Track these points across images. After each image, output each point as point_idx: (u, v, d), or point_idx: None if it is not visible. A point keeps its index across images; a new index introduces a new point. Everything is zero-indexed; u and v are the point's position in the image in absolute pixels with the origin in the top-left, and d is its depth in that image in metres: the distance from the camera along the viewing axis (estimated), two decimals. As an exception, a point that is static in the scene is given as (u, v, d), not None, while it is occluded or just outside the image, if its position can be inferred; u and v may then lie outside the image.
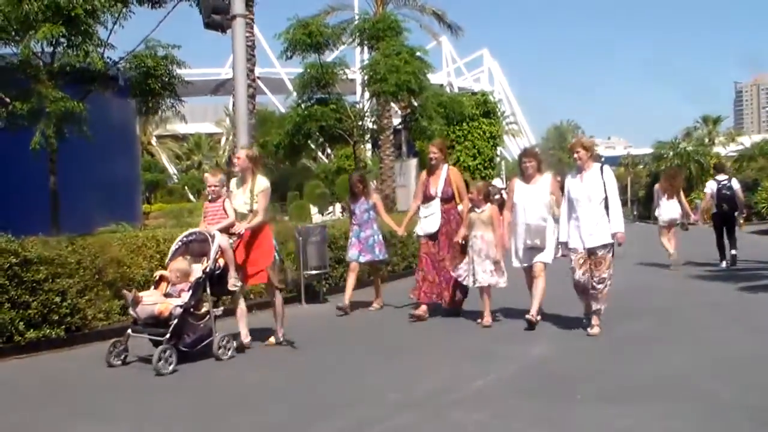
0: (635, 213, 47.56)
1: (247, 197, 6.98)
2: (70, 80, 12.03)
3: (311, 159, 46.47)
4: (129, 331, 6.39)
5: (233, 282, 6.73)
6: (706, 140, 43.43)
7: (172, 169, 59.33)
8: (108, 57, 12.40)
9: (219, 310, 6.81)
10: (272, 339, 7.19)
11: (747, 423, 4.42)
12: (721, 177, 13.53)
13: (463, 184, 8.72)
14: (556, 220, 7.49)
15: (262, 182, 7.05)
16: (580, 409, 4.77)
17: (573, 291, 7.39)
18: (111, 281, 7.98)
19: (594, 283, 7.09)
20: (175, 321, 6.18)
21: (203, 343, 6.47)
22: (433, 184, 8.57)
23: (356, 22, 20.66)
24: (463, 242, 8.14)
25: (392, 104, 22.53)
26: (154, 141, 58.81)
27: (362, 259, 9.30)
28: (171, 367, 6.03)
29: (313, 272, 10.12)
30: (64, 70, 11.87)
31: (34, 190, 12.86)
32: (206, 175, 7.27)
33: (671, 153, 38.92)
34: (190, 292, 6.39)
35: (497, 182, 23.75)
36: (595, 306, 7.18)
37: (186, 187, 51.14)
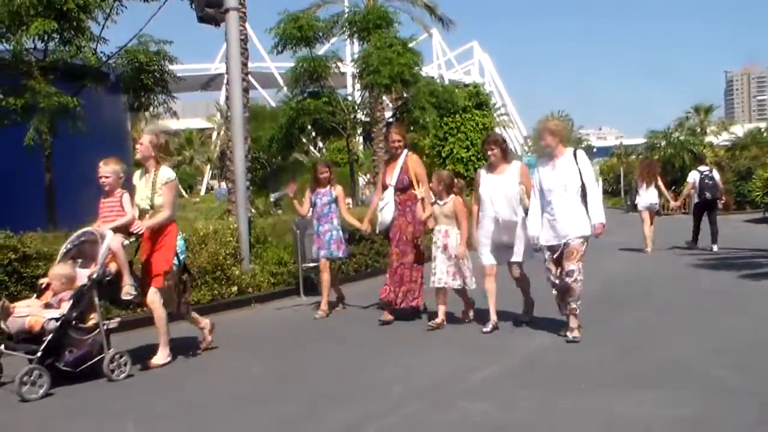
0: (628, 203, 47.61)
1: (149, 191, 6.11)
2: (62, 76, 11.96)
3: (303, 153, 46.37)
4: (2, 347, 5.43)
5: (127, 290, 5.78)
6: (698, 129, 43.43)
7: (163, 165, 59.06)
8: (101, 52, 12.34)
9: (113, 322, 5.83)
10: (154, 359, 6.08)
11: (756, 410, 4.40)
12: (703, 168, 14.47)
13: (423, 171, 7.92)
14: (527, 212, 6.76)
15: (167, 173, 6.15)
16: (584, 398, 4.78)
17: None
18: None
19: (562, 276, 6.37)
20: (50, 336, 5.26)
21: (92, 361, 5.53)
22: (389, 173, 7.94)
23: (346, 14, 20.55)
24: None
25: (384, 97, 22.45)
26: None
27: (320, 255, 8.52)
28: (42, 391, 5.13)
29: (311, 264, 10.08)
30: (56, 65, 11.80)
31: (26, 186, 12.78)
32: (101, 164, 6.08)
33: (664, 142, 38.87)
34: (71, 301, 5.47)
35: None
36: (571, 305, 6.37)
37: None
